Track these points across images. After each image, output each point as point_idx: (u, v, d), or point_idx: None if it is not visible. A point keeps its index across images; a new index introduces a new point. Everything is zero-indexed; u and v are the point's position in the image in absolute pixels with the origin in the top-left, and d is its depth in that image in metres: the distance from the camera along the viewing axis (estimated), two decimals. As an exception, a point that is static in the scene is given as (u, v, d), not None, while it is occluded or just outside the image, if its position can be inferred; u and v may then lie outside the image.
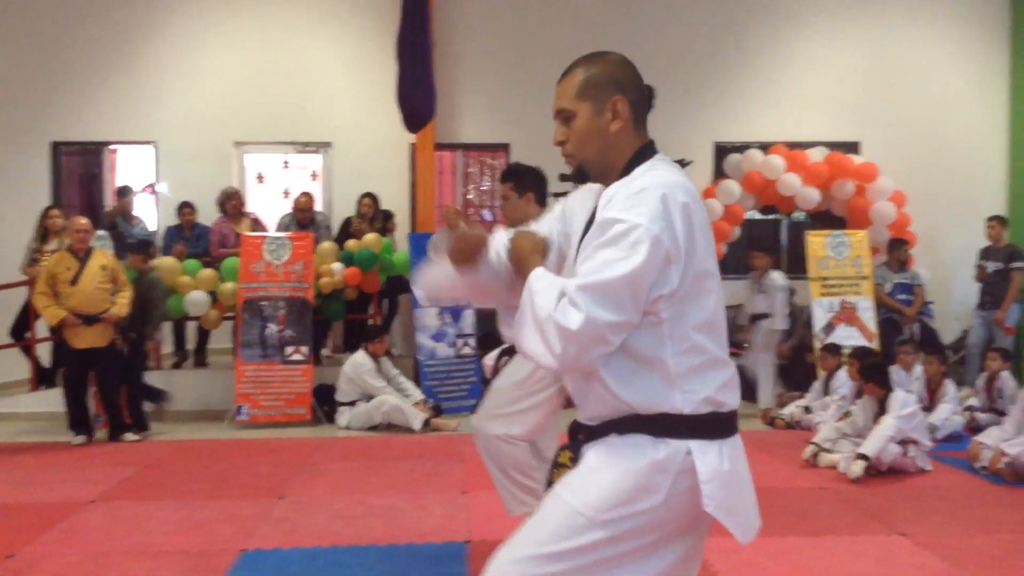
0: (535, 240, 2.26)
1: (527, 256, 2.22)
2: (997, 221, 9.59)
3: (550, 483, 2.25)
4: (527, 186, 4.11)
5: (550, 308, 1.99)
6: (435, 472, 6.39)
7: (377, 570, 4.36)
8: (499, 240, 2.43)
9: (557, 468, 2.25)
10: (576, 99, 2.18)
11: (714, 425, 2.09)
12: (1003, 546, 4.71)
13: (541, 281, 2.09)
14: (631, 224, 1.97)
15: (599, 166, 2.21)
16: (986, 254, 9.58)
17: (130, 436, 7.58)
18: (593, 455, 2.13)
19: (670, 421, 2.05)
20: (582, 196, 2.33)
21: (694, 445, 2.05)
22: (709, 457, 2.05)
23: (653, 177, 2.08)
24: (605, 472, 2.08)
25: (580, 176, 2.25)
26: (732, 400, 2.13)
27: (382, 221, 9.69)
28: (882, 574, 4.29)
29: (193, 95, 10.50)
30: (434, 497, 5.67)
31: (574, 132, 2.20)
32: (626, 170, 2.16)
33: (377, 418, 8.01)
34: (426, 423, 7.92)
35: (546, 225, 2.43)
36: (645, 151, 2.19)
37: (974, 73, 10.99)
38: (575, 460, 2.19)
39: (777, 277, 8.73)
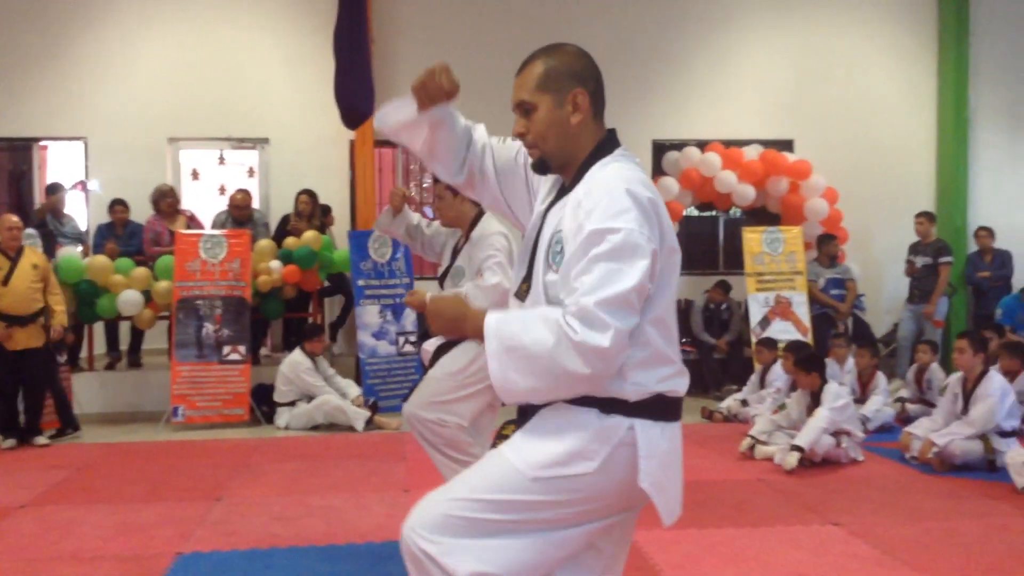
0: (457, 299, 2.29)
1: (460, 314, 2.21)
2: (925, 217, 9.84)
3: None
4: None
5: (558, 336, 1.98)
6: (376, 471, 6.35)
7: (316, 571, 4.32)
8: (480, 129, 2.51)
9: (500, 439, 2.28)
10: (536, 91, 2.20)
11: (658, 408, 2.13)
12: (933, 534, 4.84)
13: (510, 324, 2.09)
14: (625, 231, 2.00)
15: (560, 158, 2.23)
16: (915, 249, 9.83)
17: (40, 440, 7.35)
18: (539, 418, 2.17)
19: (617, 403, 2.10)
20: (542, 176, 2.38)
21: (637, 422, 2.10)
22: (651, 435, 2.10)
23: (614, 175, 2.10)
24: (546, 433, 2.12)
25: (542, 168, 2.27)
26: (679, 389, 2.18)
27: (320, 217, 9.59)
28: (817, 563, 4.39)
29: (125, 89, 10.26)
30: (375, 496, 5.64)
31: (535, 124, 2.21)
32: (587, 163, 2.19)
33: (319, 418, 7.93)
34: (368, 422, 7.87)
35: (510, 147, 2.51)
36: (605, 144, 2.22)
37: (903, 73, 11.27)
38: None
39: None
